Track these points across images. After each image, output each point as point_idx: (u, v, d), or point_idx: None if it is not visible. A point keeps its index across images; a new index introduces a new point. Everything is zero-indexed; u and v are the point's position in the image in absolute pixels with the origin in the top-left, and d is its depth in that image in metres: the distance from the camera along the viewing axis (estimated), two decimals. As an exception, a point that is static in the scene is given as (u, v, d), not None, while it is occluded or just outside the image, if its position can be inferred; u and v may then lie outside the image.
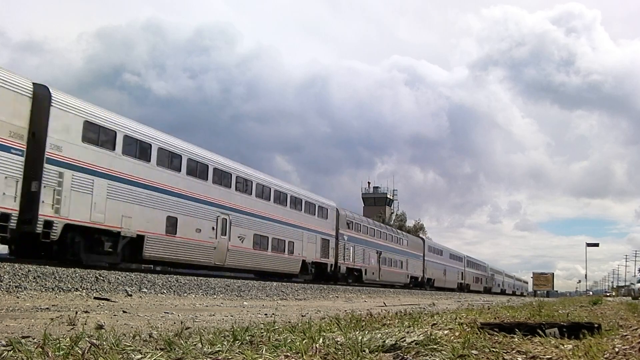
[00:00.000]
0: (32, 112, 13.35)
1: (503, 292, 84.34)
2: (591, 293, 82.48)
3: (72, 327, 5.22)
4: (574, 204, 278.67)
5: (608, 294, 74.51)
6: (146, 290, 12.81)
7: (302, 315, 8.49)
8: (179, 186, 18.45)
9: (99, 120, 15.45)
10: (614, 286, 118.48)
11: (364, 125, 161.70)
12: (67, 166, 14.17)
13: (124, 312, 7.87)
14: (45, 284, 10.85)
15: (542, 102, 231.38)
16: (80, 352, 3.03)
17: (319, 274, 28.94)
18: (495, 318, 6.93)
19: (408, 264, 44.62)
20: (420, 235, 76.54)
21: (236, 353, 3.22)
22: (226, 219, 20.92)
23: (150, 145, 17.27)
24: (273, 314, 8.44)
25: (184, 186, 18.72)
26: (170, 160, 18.24)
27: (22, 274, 10.92)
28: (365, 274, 34.96)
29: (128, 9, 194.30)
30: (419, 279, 47.76)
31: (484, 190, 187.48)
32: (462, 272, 62.70)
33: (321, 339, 3.70)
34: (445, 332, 4.32)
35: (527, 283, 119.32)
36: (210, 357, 3.12)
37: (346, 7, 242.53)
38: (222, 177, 21.15)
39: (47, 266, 12.29)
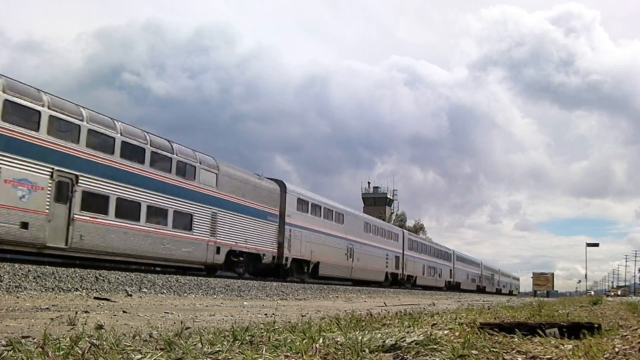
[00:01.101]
0: None
1: (481, 290, 67.08)
2: (592, 293, 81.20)
3: (72, 327, 5.22)
4: (574, 204, 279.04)
5: (612, 293, 73.03)
6: (146, 290, 12.81)
7: (302, 315, 8.48)
8: None
9: None
10: (614, 286, 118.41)
11: (364, 125, 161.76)
12: None
13: (124, 312, 7.87)
14: (45, 284, 10.85)
15: (542, 102, 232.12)
16: (80, 352, 3.03)
17: None
18: (495, 318, 6.93)
19: (217, 225, 19.97)
20: (421, 234, 74.82)
21: (236, 353, 3.22)
22: None
23: None
24: (273, 314, 8.44)
25: None
26: None
27: (22, 274, 10.92)
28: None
29: (128, 9, 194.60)
30: (266, 258, 23.17)
31: (484, 190, 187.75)
32: (397, 257, 40.77)
33: (321, 339, 3.70)
34: (445, 332, 4.32)
35: (518, 280, 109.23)
36: (210, 357, 3.11)
37: (346, 7, 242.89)
38: None
39: (47, 266, 12.30)
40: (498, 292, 77.85)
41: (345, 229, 31.80)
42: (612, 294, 73.62)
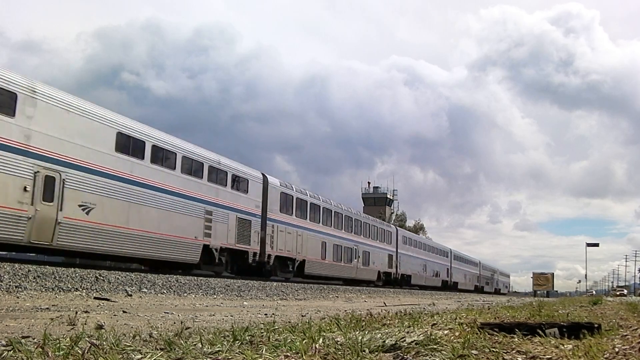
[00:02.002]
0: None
1: (449, 287, 52.72)
2: (594, 293, 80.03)
3: (72, 327, 5.22)
4: (573, 204, 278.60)
5: (617, 293, 70.58)
6: (146, 290, 12.82)
7: (302, 315, 8.49)
8: None
9: None
10: (614, 286, 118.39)
11: (364, 125, 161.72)
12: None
13: (124, 312, 7.86)
14: (45, 284, 10.85)
15: (542, 103, 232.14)
16: (80, 352, 3.02)
17: None
18: (495, 318, 6.93)
19: None
20: (421, 234, 74.11)
21: (236, 353, 3.22)
22: None
23: None
24: (273, 314, 8.44)
25: None
26: None
27: (22, 274, 10.92)
28: None
29: (128, 9, 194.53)
30: None
31: (484, 190, 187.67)
32: (246, 222, 21.61)
33: (321, 339, 3.70)
34: (445, 332, 4.32)
35: (508, 277, 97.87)
36: (210, 357, 3.11)
37: (346, 7, 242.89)
38: None
39: (47, 266, 12.31)
40: (479, 290, 65.13)
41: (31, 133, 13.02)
42: (618, 293, 70.23)
